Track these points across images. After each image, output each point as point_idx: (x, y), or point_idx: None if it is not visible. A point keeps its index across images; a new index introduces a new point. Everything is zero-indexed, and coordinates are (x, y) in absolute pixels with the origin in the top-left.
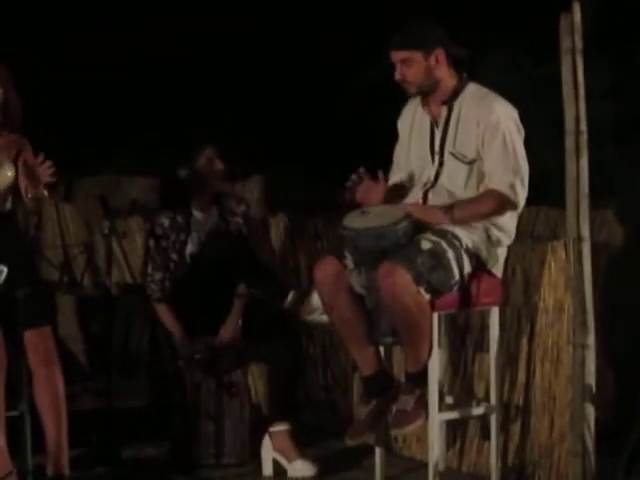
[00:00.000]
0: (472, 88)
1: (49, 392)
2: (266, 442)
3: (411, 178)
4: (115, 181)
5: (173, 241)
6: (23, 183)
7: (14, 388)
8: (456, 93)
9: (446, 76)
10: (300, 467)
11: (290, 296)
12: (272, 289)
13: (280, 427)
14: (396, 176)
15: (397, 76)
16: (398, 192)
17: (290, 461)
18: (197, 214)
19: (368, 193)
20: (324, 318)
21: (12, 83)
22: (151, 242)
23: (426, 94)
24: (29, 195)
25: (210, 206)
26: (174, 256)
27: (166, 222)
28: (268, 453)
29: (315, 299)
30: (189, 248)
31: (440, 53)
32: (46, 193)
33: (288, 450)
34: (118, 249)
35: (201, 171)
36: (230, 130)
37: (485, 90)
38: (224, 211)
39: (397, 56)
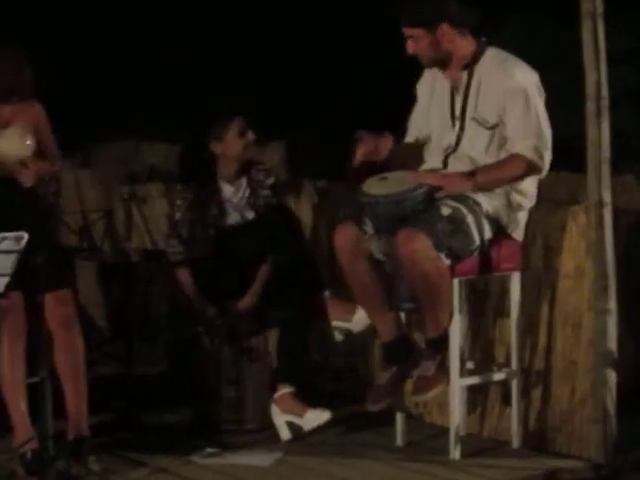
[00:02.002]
0: (492, 52)
1: (69, 357)
2: (274, 409)
3: (427, 142)
4: (134, 146)
5: (200, 212)
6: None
7: (34, 354)
8: (475, 58)
9: (459, 45)
10: (313, 416)
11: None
12: (298, 258)
13: (283, 390)
14: (411, 137)
15: (408, 49)
16: (410, 153)
17: (301, 416)
18: (225, 186)
19: (375, 148)
20: (340, 335)
21: (7, 54)
22: (176, 214)
23: (441, 65)
24: (45, 178)
25: (238, 178)
26: (202, 228)
27: (190, 195)
28: (279, 418)
29: (360, 314)
30: (218, 219)
31: (445, 27)
32: (59, 168)
33: (296, 407)
34: (138, 215)
35: (232, 142)
36: (249, 96)
37: (505, 54)
38: (253, 183)
39: (405, 32)
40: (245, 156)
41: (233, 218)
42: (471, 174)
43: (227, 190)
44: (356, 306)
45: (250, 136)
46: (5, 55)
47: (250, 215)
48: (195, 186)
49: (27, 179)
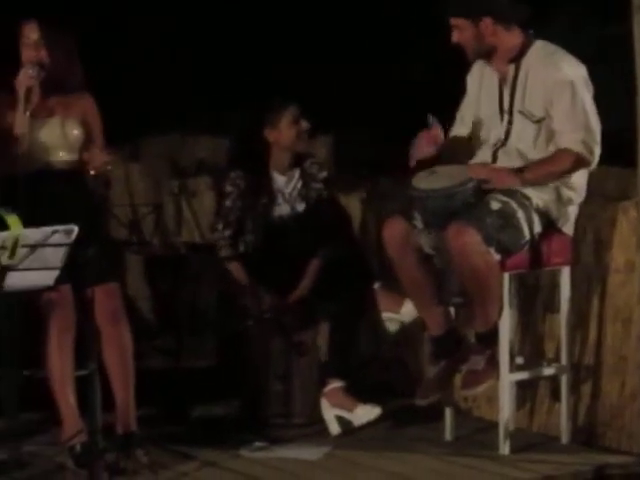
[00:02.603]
0: (539, 45)
1: (117, 350)
2: (323, 403)
3: (475, 135)
4: (183, 140)
5: (251, 203)
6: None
7: (83, 347)
8: (523, 51)
9: (503, 39)
10: (363, 412)
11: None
12: (347, 251)
13: (333, 385)
14: (459, 130)
15: (453, 39)
16: (459, 146)
17: (351, 411)
18: (277, 176)
19: (421, 140)
20: (393, 325)
21: (59, 43)
22: (226, 202)
23: (486, 58)
24: (92, 172)
25: (291, 169)
26: (252, 217)
27: (242, 183)
28: (328, 412)
29: (408, 306)
30: (268, 209)
31: (488, 21)
32: (109, 167)
33: (346, 402)
34: (187, 208)
35: (286, 130)
36: (298, 90)
37: (553, 47)
38: (306, 175)
39: (451, 21)
40: (298, 146)
41: (283, 209)
42: (519, 170)
43: (279, 180)
44: (405, 298)
45: (304, 125)
46: (57, 45)
47: (301, 207)
48: (247, 174)
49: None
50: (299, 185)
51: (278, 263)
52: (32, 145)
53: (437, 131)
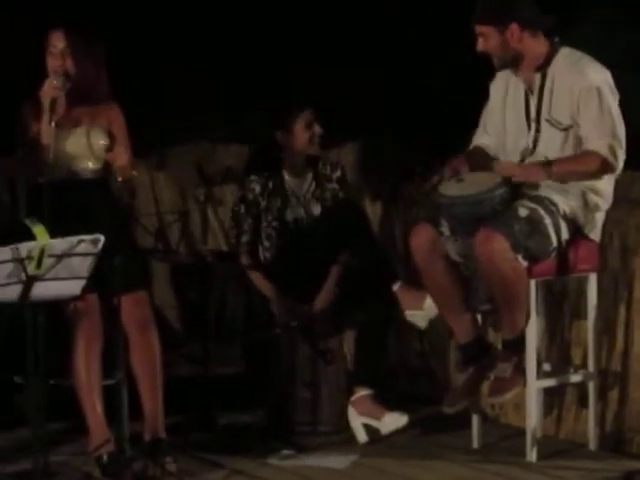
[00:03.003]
0: (565, 53)
1: (145, 359)
2: (351, 411)
3: (500, 143)
4: (209, 149)
5: (267, 207)
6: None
7: (110, 356)
8: (548, 59)
9: (530, 46)
10: (390, 420)
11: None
12: (371, 257)
13: (361, 393)
14: (481, 139)
15: (478, 47)
16: (482, 156)
17: (378, 419)
18: (290, 179)
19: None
20: (420, 322)
21: (86, 53)
22: (241, 207)
23: (512, 65)
24: (119, 179)
25: (304, 171)
26: (273, 223)
27: (257, 188)
28: (356, 420)
29: (430, 301)
30: (288, 214)
31: (514, 27)
32: (135, 173)
33: (373, 410)
34: (213, 216)
35: (299, 134)
36: (324, 98)
37: (578, 54)
38: (319, 177)
39: (476, 29)
40: (310, 149)
41: (298, 212)
42: (547, 164)
43: (292, 183)
44: (425, 294)
45: (317, 129)
46: (84, 54)
47: (316, 210)
48: (262, 178)
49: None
50: (313, 187)
51: (296, 268)
52: (58, 155)
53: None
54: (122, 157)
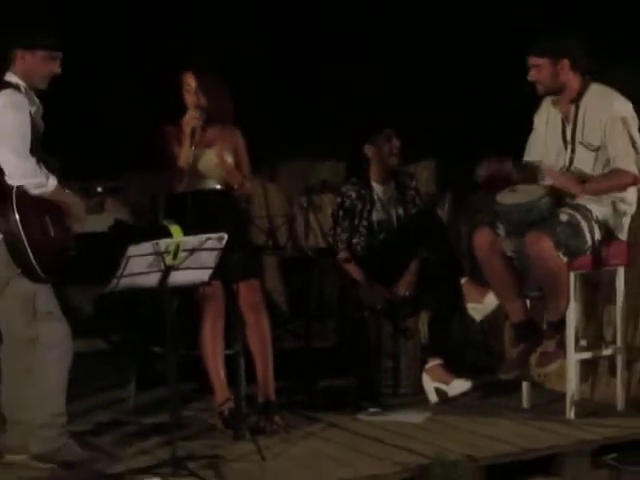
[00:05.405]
0: (594, 87)
1: (258, 334)
2: (425, 377)
3: (544, 162)
4: (309, 165)
5: (360, 210)
6: (231, 179)
7: (231, 332)
8: (581, 93)
9: (571, 80)
10: (457, 385)
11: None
12: (443, 254)
13: (433, 362)
14: (527, 157)
15: (530, 77)
16: (530, 169)
17: (447, 384)
18: (377, 186)
19: (497, 169)
20: (477, 315)
21: (213, 89)
22: (340, 211)
23: (554, 94)
24: (235, 186)
25: (388, 180)
26: (363, 223)
27: (353, 194)
28: (429, 384)
29: (490, 297)
30: (374, 215)
31: (566, 63)
32: (250, 185)
33: (443, 376)
34: (313, 219)
35: (380, 146)
36: (408, 121)
37: (607, 89)
38: (400, 185)
39: (531, 60)
40: (390, 160)
41: (380, 215)
42: (583, 182)
43: (378, 189)
44: (487, 290)
45: (395, 142)
46: (211, 89)
47: (395, 213)
48: (356, 186)
49: (233, 187)
50: (394, 193)
51: (382, 261)
52: (193, 170)
53: (498, 164)
54: (237, 178)
